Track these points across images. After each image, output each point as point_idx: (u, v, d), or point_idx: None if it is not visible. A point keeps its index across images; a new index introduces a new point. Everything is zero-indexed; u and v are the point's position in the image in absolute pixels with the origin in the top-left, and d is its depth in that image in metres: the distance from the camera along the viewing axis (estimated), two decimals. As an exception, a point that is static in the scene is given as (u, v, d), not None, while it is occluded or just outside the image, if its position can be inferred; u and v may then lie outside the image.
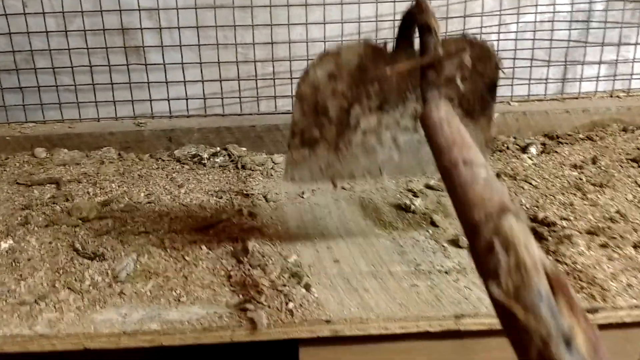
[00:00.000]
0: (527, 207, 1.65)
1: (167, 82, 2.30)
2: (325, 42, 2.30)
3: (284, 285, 1.27)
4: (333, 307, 1.21)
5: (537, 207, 1.64)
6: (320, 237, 1.54)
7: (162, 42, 2.26)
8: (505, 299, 0.60)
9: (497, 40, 2.37)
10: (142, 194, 1.80)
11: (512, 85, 2.40)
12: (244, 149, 2.22)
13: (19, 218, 1.64)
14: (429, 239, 1.51)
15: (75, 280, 1.33)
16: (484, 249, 0.66)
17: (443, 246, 1.47)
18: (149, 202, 1.74)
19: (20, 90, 2.28)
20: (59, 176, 1.93)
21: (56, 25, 2.23)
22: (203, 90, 2.33)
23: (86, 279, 1.33)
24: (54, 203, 1.74)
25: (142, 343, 1.15)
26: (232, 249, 1.47)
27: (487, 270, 0.65)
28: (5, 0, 2.17)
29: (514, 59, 2.40)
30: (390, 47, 1.24)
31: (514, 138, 2.20)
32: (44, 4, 2.18)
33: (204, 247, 1.49)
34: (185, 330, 1.15)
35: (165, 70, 2.29)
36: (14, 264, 1.40)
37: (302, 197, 1.80)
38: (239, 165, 2.06)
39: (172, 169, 2.03)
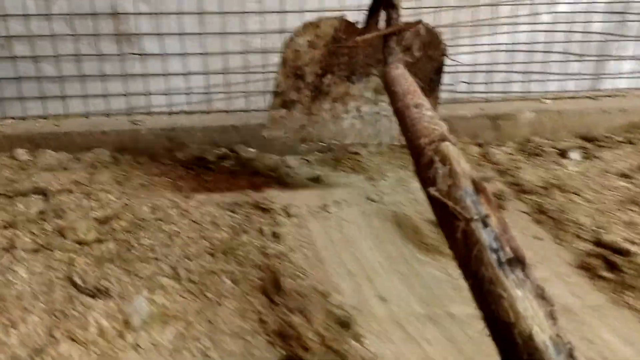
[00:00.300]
0: (589, 228, 1.46)
1: (165, 74, 2.05)
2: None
3: (334, 339, 1.06)
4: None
5: (600, 227, 1.46)
6: (356, 264, 1.35)
7: (158, 28, 2.01)
8: (440, 196, 0.80)
9: (530, 31, 2.17)
10: (146, 208, 1.56)
11: (539, 81, 2.21)
12: (252, 150, 1.99)
13: (3, 241, 1.39)
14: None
15: (78, 327, 1.10)
16: (426, 164, 0.86)
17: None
18: (155, 219, 1.51)
19: (-3, 81, 2.01)
20: (46, 185, 1.68)
21: (36, 7, 1.96)
22: (209, 82, 2.09)
23: (91, 324, 1.11)
24: (42, 219, 1.49)
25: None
26: (259, 281, 1.26)
27: (427, 179, 0.85)
28: (-22, -23, 1.89)
29: (545, 52, 2.20)
30: (361, 25, 1.41)
31: (551, 141, 2.01)
32: (24, -16, 1.91)
33: (226, 279, 1.27)
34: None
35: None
36: (0, 304, 1.17)
37: (328, 212, 1.59)
38: (251, 170, 1.84)
39: (176, 174, 1.80)
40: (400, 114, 1.05)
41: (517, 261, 0.75)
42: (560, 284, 1.27)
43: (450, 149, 0.87)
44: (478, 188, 0.80)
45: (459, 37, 2.15)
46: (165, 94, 2.08)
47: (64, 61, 2.02)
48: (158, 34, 2.02)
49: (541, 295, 0.73)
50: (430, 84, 1.50)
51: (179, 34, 2.01)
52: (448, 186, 0.81)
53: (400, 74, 1.16)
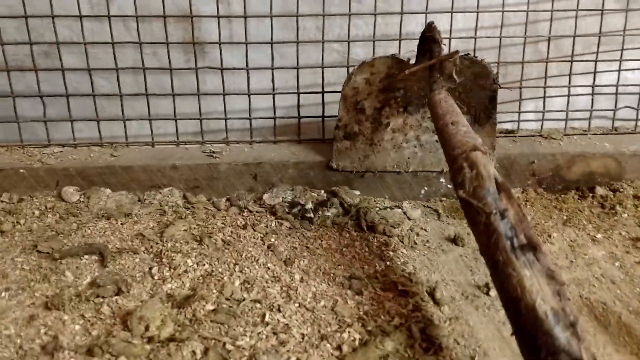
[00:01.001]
0: None
1: (249, 94, 1.64)
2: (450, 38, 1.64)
3: None
4: None
5: None
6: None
7: (233, 36, 1.59)
8: (467, 196, 0.95)
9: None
10: (237, 283, 1.14)
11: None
12: (357, 192, 1.56)
13: (44, 335, 0.98)
14: None
15: None
16: (457, 170, 1.02)
17: None
18: (253, 301, 1.08)
19: (40, 97, 1.61)
20: (103, 240, 1.27)
21: (90, 7, 1.57)
22: (298, 103, 1.67)
23: None
24: (97, 296, 1.08)
25: None
26: None
27: (458, 183, 1.00)
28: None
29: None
30: (412, 61, 1.52)
31: None
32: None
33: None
34: None
35: (248, 76, 1.62)
36: None
37: (487, 295, 1.14)
38: (362, 224, 1.40)
39: (267, 227, 1.38)
40: (440, 131, 1.20)
41: (530, 246, 0.85)
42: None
43: (478, 156, 1.03)
44: (500, 187, 0.95)
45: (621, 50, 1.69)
46: (247, 118, 1.66)
47: (122, 74, 1.61)
48: (237, 43, 1.61)
49: (551, 275, 0.81)
50: (486, 112, 1.58)
51: (263, 43, 1.60)
52: (473, 187, 0.96)
53: (442, 98, 1.31)
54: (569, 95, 1.70)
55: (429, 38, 1.46)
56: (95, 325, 1.02)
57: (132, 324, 1.00)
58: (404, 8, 1.64)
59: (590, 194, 1.54)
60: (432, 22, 1.48)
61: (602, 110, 1.74)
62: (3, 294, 1.10)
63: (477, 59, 1.51)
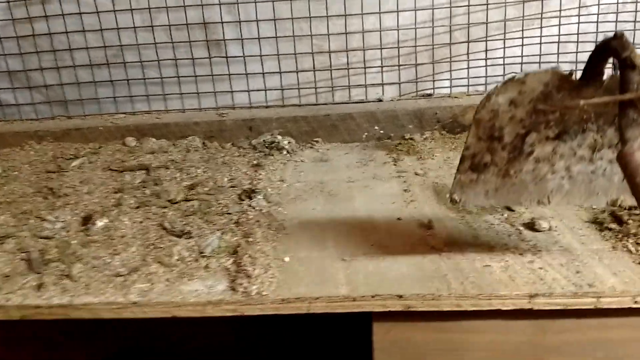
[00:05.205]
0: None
1: (247, 74, 2.40)
2: (398, 30, 2.33)
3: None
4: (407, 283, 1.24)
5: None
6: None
7: (241, 35, 2.36)
8: None
9: (577, 23, 2.31)
10: (226, 179, 1.89)
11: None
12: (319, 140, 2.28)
13: (113, 200, 1.77)
14: (503, 222, 1.52)
15: (165, 255, 1.42)
16: None
17: (518, 230, 1.47)
18: (230, 186, 1.83)
19: (111, 83, 2.45)
20: (148, 163, 2.06)
21: (142, 21, 2.37)
22: (281, 81, 2.41)
23: (174, 254, 1.43)
24: (144, 187, 1.86)
25: (225, 312, 1.23)
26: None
27: None
28: (97, -1, 2.34)
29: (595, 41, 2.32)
30: (576, 76, 1.22)
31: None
32: (131, 1, 2.32)
33: (282, 227, 1.56)
34: (264, 300, 1.22)
35: (245, 62, 2.39)
36: (109, 241, 1.52)
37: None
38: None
39: (253, 156, 2.13)
40: None
41: None
42: (569, 234, 1.44)
43: None
44: None
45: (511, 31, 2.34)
46: (247, 91, 2.43)
47: (164, 66, 2.42)
48: (240, 39, 2.37)
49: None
50: None
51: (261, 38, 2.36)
52: None
53: None
54: (468, 68, 2.37)
55: (622, 59, 1.12)
56: (142, 198, 1.78)
57: (161, 194, 1.77)
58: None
59: (478, 131, 2.20)
60: (622, 33, 1.13)
61: (496, 76, 2.40)
62: (92, 186, 1.90)
63: None
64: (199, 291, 1.27)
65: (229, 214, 1.64)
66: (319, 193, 1.79)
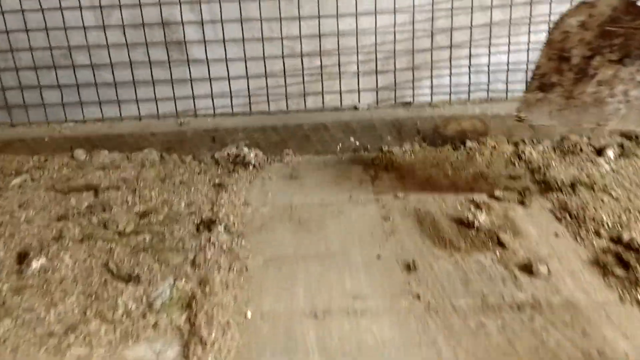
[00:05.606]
0: (608, 226, 1.46)
1: (210, 78, 2.18)
2: (376, 32, 2.14)
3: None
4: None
5: (621, 225, 1.45)
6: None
7: (204, 36, 2.14)
8: None
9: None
10: (183, 203, 1.69)
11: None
12: (290, 152, 2.09)
13: (54, 231, 1.55)
14: (496, 263, 1.35)
15: (108, 308, 1.23)
16: None
17: (514, 274, 1.30)
18: (190, 213, 1.63)
19: (59, 87, 2.20)
20: (98, 182, 1.83)
21: (94, 19, 2.13)
22: (248, 86, 2.20)
23: (119, 306, 1.23)
24: (90, 213, 1.65)
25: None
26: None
27: None
28: (43, -7, 2.09)
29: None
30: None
31: (588, 139, 1.98)
32: (81, -2, 2.08)
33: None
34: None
35: (208, 65, 2.17)
36: (45, 287, 1.31)
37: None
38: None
39: (215, 173, 1.92)
40: None
41: None
42: (570, 280, 1.28)
43: None
44: None
45: (497, 37, 2.17)
46: (210, 98, 2.21)
47: (118, 69, 2.18)
48: (204, 41, 2.15)
49: None
50: None
51: (224, 41, 2.14)
52: None
53: None
54: (450, 75, 2.18)
55: None
56: (87, 228, 1.57)
57: (109, 223, 1.56)
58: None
59: (462, 146, 2.03)
60: None
61: (481, 83, 2.22)
62: (31, 211, 1.67)
63: None
64: (145, 358, 1.08)
65: (185, 249, 1.44)
66: (287, 220, 1.61)
